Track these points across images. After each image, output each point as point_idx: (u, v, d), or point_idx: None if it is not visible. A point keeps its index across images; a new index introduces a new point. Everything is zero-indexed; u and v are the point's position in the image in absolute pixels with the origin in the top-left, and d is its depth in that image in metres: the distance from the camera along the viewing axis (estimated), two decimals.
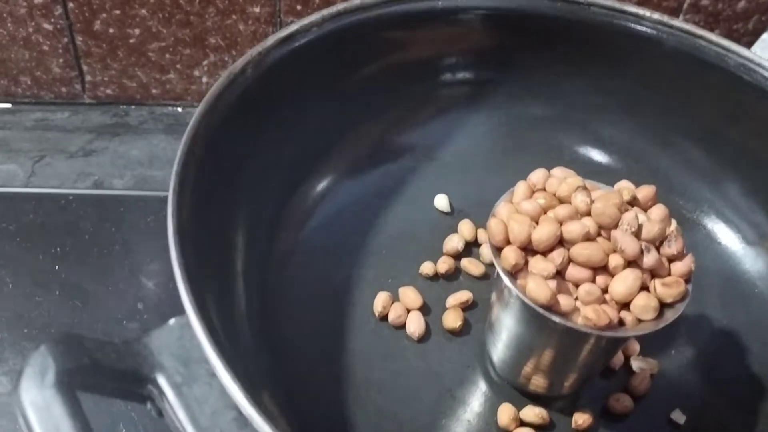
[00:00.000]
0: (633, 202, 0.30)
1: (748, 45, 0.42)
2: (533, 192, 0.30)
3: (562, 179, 0.30)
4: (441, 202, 0.40)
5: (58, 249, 0.42)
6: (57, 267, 0.42)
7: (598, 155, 0.41)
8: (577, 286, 0.28)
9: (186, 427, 0.25)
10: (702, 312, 0.37)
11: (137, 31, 0.50)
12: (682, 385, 0.34)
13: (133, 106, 0.55)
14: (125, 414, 0.33)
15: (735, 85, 0.37)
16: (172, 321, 0.27)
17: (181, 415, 0.25)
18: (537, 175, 0.31)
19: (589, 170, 0.41)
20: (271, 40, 0.35)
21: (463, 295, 0.36)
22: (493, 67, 0.41)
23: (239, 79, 0.33)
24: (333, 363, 0.34)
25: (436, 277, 0.38)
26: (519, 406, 0.33)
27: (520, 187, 0.30)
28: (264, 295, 0.33)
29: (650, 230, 0.28)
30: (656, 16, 0.38)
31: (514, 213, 0.29)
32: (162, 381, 0.26)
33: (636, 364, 0.34)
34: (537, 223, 0.29)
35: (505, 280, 0.28)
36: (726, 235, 0.39)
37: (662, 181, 0.40)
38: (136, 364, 0.25)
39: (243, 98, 0.33)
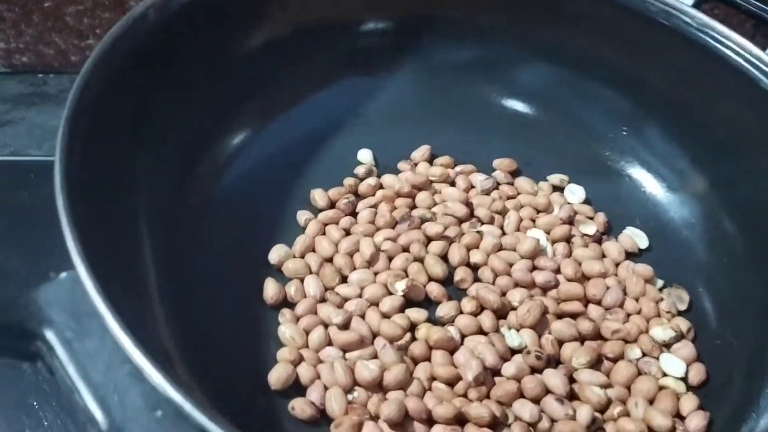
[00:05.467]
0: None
1: None
2: None
3: None
4: (365, 156, 0.39)
5: None
6: None
7: (521, 106, 0.41)
8: None
9: (77, 384, 0.24)
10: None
11: None
12: None
13: (51, 75, 0.52)
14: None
15: (656, 30, 0.36)
16: (63, 274, 0.25)
17: (72, 371, 0.24)
18: None
19: (513, 122, 0.40)
20: None
21: None
22: (416, 18, 0.40)
23: (139, 24, 0.31)
24: (247, 321, 0.32)
25: None
26: None
27: None
28: (173, 254, 0.31)
29: None
30: None
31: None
32: (51, 336, 0.24)
33: None
34: None
35: None
36: (650, 183, 0.39)
37: (586, 131, 0.40)
38: (21, 319, 0.24)
39: (143, 45, 0.31)
